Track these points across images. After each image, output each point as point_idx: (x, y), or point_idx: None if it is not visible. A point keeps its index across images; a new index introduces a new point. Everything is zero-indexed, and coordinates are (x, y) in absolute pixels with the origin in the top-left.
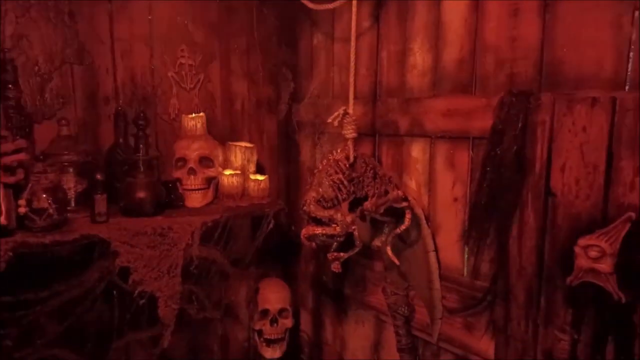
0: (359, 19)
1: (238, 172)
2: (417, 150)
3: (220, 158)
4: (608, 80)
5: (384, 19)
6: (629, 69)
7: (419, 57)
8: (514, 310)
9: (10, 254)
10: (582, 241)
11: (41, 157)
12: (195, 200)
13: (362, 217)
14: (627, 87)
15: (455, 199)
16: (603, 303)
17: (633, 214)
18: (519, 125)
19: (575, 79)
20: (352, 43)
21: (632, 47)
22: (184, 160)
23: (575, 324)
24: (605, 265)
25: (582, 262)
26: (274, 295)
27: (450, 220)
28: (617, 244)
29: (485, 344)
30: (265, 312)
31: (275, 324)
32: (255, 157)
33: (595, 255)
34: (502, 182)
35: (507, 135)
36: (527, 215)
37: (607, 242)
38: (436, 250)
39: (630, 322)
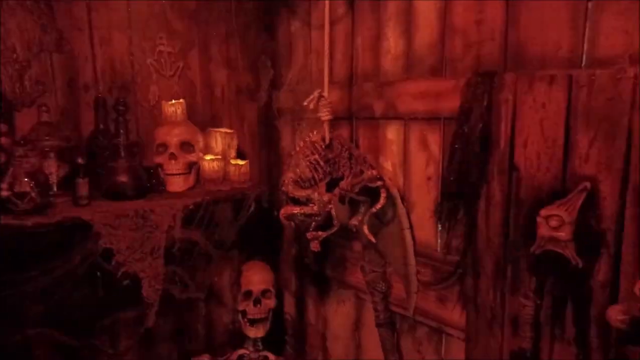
0: (334, 6)
1: (219, 157)
2: (392, 132)
3: (201, 144)
4: (566, 60)
5: (358, 6)
6: (585, 49)
7: (392, 42)
8: (482, 280)
9: None
10: (544, 212)
11: (22, 142)
12: (176, 184)
13: (341, 200)
14: (583, 65)
15: (429, 178)
16: (563, 269)
17: (588, 184)
18: (484, 104)
19: (537, 59)
20: (326, 29)
21: (587, 27)
22: (164, 145)
23: (538, 290)
24: (565, 233)
25: (543, 231)
26: (256, 277)
27: (425, 199)
28: (574, 212)
29: (457, 315)
30: (248, 293)
31: (258, 305)
32: (235, 143)
33: (556, 224)
34: (470, 158)
35: (474, 114)
36: (493, 189)
37: (566, 212)
38: (411, 227)
39: (587, 286)
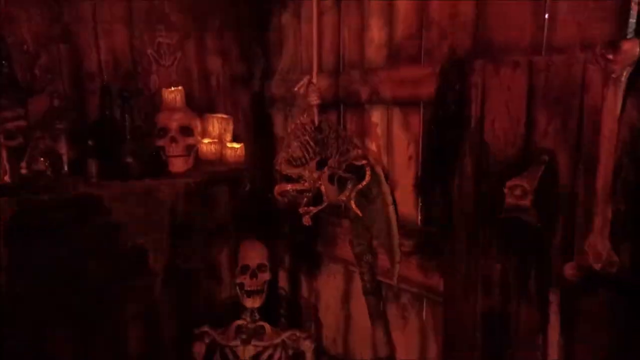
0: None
1: (216, 140)
2: (376, 116)
3: (199, 128)
4: (529, 47)
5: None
6: (544, 37)
7: (376, 33)
8: (457, 247)
9: (16, 208)
10: (509, 183)
11: (37, 125)
12: (177, 165)
13: (330, 179)
14: (543, 52)
15: (410, 158)
16: (526, 233)
17: (547, 157)
18: (457, 88)
19: (503, 47)
20: (314, 20)
21: (546, 19)
22: (165, 129)
23: (505, 253)
24: (527, 201)
25: (509, 200)
26: (252, 252)
27: (406, 176)
28: (535, 182)
29: (436, 280)
30: (245, 268)
31: (254, 278)
32: (231, 127)
33: (519, 193)
34: (445, 137)
35: (448, 98)
36: (466, 164)
37: (528, 182)
38: (395, 203)
39: (547, 247)
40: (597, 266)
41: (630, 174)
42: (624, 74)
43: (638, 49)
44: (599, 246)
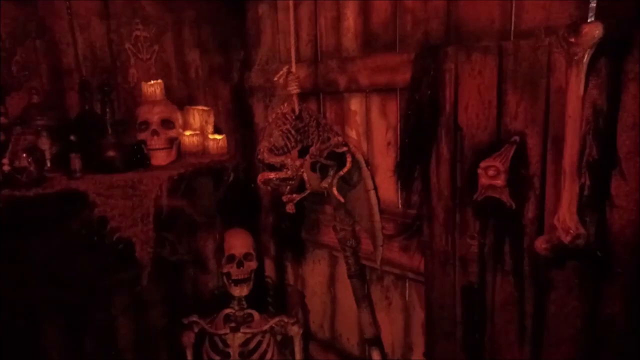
0: None
1: (197, 132)
2: (355, 104)
3: (180, 120)
4: (498, 32)
5: None
6: (512, 23)
7: (352, 22)
8: (436, 228)
9: (0, 205)
10: (483, 164)
11: (18, 122)
12: (160, 158)
13: (312, 167)
14: (512, 37)
15: (389, 143)
16: (500, 211)
17: (517, 138)
18: (431, 74)
19: (475, 33)
20: (291, 9)
21: (514, 5)
22: (146, 123)
23: (481, 231)
24: (500, 181)
25: (483, 180)
26: (238, 242)
27: (386, 162)
28: (507, 162)
29: (417, 261)
30: (231, 257)
31: (241, 267)
32: (212, 119)
33: (493, 173)
34: (421, 122)
35: (423, 84)
36: (442, 148)
37: (500, 162)
38: (375, 188)
39: (520, 223)
40: (566, 239)
41: (594, 151)
42: (586, 56)
43: (598, 32)
44: (567, 220)
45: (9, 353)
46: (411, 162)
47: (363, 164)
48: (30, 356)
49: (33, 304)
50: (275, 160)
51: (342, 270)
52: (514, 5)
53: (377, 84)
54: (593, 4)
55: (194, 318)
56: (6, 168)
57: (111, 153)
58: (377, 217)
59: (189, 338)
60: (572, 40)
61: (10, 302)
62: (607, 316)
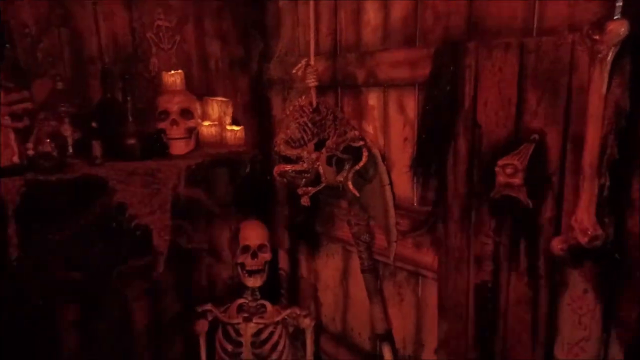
0: None
1: (216, 123)
2: (373, 99)
3: (199, 111)
4: (521, 29)
5: None
6: (535, 19)
7: (372, 15)
8: (451, 225)
9: (24, 188)
10: (500, 162)
11: (42, 108)
12: (179, 147)
13: (329, 161)
14: (534, 34)
15: (406, 139)
16: (517, 210)
17: (537, 136)
18: (451, 69)
19: (496, 29)
20: (311, 2)
21: (537, 1)
22: (166, 112)
23: (497, 230)
24: (518, 179)
25: (500, 178)
26: (253, 233)
27: (402, 157)
28: (525, 161)
29: (431, 258)
30: (246, 248)
31: (255, 258)
32: (230, 110)
33: (510, 172)
34: (440, 118)
35: (442, 79)
36: (459, 145)
37: (519, 161)
38: (391, 184)
39: (536, 223)
40: (584, 240)
41: (615, 151)
42: (610, 54)
43: (623, 30)
44: (585, 221)
45: (26, 334)
46: (428, 159)
47: (379, 159)
48: (46, 338)
49: (51, 285)
50: (292, 152)
51: (355, 264)
52: (537, 1)
53: (396, 78)
54: (619, 2)
55: (208, 307)
56: (30, 152)
57: (131, 141)
58: (391, 212)
59: (202, 326)
60: (597, 37)
61: (29, 283)
62: (622, 320)
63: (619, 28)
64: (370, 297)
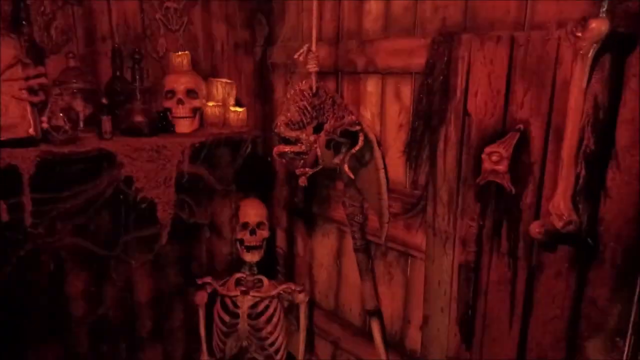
0: None
1: (219, 104)
2: (371, 85)
3: (204, 91)
4: (513, 23)
5: None
6: (527, 14)
7: (373, 5)
8: (439, 208)
9: (38, 159)
10: (487, 149)
11: (56, 83)
12: (184, 126)
13: (327, 145)
14: (525, 28)
15: (401, 125)
16: (500, 196)
17: (522, 126)
18: (445, 60)
19: (490, 22)
20: None
21: None
22: (173, 92)
23: (481, 214)
24: (502, 167)
25: (486, 165)
26: (252, 210)
27: (397, 143)
28: (510, 149)
29: (419, 239)
30: (245, 225)
31: (254, 234)
32: (234, 92)
33: (496, 159)
34: (432, 106)
35: (436, 69)
36: (450, 132)
37: (504, 149)
38: (385, 168)
39: (518, 208)
40: (559, 225)
41: (591, 143)
42: (591, 50)
43: (604, 28)
44: (561, 207)
45: (36, 296)
46: (420, 144)
47: (375, 144)
48: (55, 300)
49: (61, 252)
50: (291, 134)
51: (349, 244)
52: None
53: (394, 66)
54: (605, 1)
55: (208, 279)
56: (45, 125)
57: (139, 118)
58: (385, 195)
59: (202, 297)
60: (579, 34)
61: (42, 247)
62: (591, 300)
63: (600, 26)
64: (361, 275)
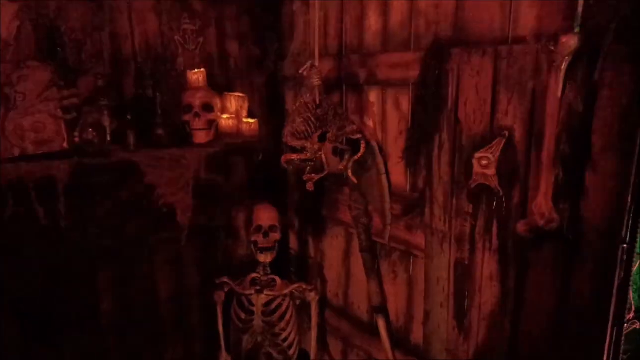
0: None
1: (233, 116)
2: (373, 96)
3: (219, 105)
4: (498, 38)
5: None
6: (510, 29)
7: (373, 21)
8: (436, 209)
9: (72, 170)
10: (477, 154)
11: (86, 102)
12: (200, 137)
13: (334, 152)
14: (509, 42)
15: (401, 133)
16: (490, 197)
17: (507, 132)
18: (437, 72)
19: (478, 37)
20: (317, 9)
21: (512, 13)
22: (190, 106)
23: (473, 214)
24: (491, 170)
25: (477, 169)
26: (265, 214)
27: (398, 149)
28: (497, 154)
29: (419, 238)
30: (259, 228)
31: (267, 237)
32: (246, 104)
33: (485, 163)
34: (427, 115)
35: (429, 80)
36: (443, 139)
37: (492, 154)
38: (387, 173)
39: (506, 208)
40: (541, 223)
41: (567, 147)
42: (564, 63)
43: (573, 43)
44: (543, 206)
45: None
46: (417, 150)
47: (377, 150)
48: (85, 297)
49: (92, 252)
50: (297, 143)
51: (356, 245)
52: (511, 13)
53: (393, 78)
54: (578, 18)
55: (225, 279)
56: (77, 140)
57: (160, 131)
58: (387, 198)
59: (219, 296)
60: (552, 48)
61: (75, 248)
62: (576, 291)
63: (570, 41)
64: (367, 273)
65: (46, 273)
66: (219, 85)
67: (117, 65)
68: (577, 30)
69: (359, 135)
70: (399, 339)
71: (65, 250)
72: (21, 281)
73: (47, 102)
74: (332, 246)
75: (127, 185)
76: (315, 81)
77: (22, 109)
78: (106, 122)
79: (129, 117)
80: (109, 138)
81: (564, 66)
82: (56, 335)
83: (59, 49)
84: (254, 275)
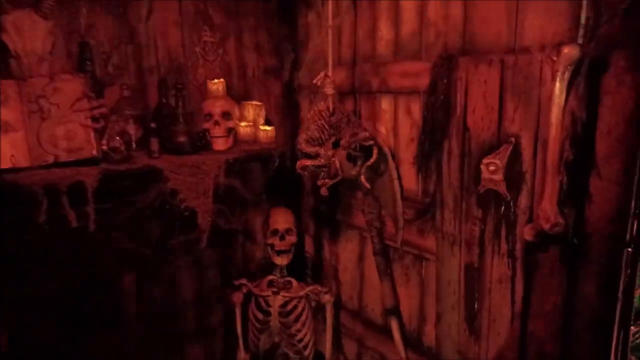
0: (340, 3)
1: (251, 124)
2: (385, 104)
3: (237, 113)
4: (505, 47)
5: (360, 3)
6: (516, 39)
7: (385, 32)
8: (446, 214)
9: (100, 175)
10: (485, 160)
11: (112, 111)
12: (220, 144)
13: (348, 158)
14: (515, 52)
15: (412, 139)
16: (498, 201)
17: (513, 139)
18: (445, 81)
19: (485, 47)
20: (330, 20)
21: (517, 24)
22: (210, 115)
23: (483, 218)
24: (499, 176)
25: (485, 174)
26: (281, 218)
27: (409, 155)
28: (505, 160)
29: (430, 242)
30: (275, 231)
31: (283, 240)
32: (263, 113)
33: (493, 169)
34: (436, 122)
35: (438, 89)
36: (453, 145)
37: (499, 160)
38: (399, 178)
39: (514, 213)
40: (546, 227)
41: (570, 153)
42: (566, 72)
43: (574, 53)
44: (548, 210)
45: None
46: (427, 156)
47: (389, 156)
48: (110, 299)
49: (117, 254)
50: (311, 150)
51: (370, 249)
52: (517, 24)
53: (404, 86)
54: (582, 28)
55: (243, 281)
56: (104, 147)
57: (182, 138)
58: (399, 203)
59: (238, 297)
60: (555, 58)
61: (103, 250)
62: (583, 294)
63: (571, 51)
64: (380, 276)
65: (76, 274)
66: (238, 94)
67: (141, 76)
68: (579, 41)
69: (371, 142)
70: (412, 341)
71: (94, 253)
72: (54, 282)
73: (78, 113)
74: (346, 249)
75: (151, 190)
76: (329, 90)
77: (56, 119)
78: (131, 130)
79: (152, 125)
80: (134, 145)
81: (566, 75)
82: (84, 335)
83: (88, 62)
84: (270, 277)
